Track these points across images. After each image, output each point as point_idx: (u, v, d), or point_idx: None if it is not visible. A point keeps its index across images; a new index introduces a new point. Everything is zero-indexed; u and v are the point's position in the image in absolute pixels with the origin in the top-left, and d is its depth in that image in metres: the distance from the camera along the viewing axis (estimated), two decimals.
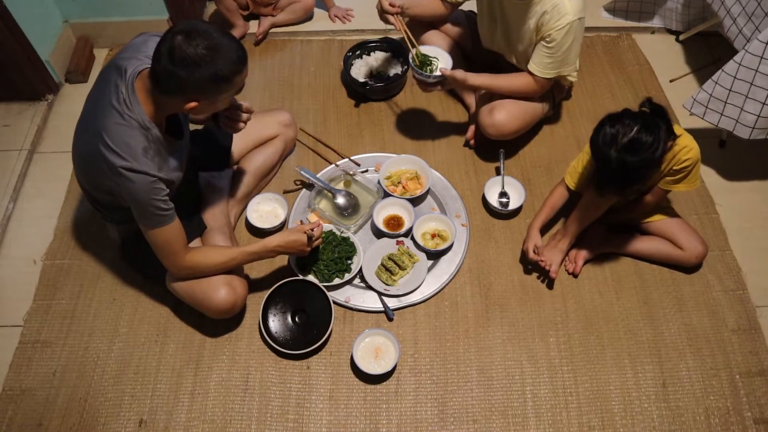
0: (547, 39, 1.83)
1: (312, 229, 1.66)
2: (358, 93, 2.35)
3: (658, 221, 1.85)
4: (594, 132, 1.50)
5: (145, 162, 1.37)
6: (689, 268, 1.88)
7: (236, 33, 2.50)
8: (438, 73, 1.90)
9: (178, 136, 1.53)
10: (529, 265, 1.89)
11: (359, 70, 2.37)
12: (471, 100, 2.24)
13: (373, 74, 2.37)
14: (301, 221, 1.95)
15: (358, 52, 2.41)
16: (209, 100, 1.37)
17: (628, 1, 2.58)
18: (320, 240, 1.71)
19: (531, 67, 1.90)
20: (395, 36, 2.51)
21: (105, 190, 1.48)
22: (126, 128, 1.36)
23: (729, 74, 1.88)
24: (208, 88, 1.33)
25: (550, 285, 1.86)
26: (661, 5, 2.54)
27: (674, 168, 1.64)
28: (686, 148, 1.61)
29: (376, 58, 2.41)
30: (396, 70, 2.37)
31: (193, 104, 1.34)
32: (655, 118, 1.47)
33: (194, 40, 1.26)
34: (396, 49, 2.41)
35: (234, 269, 1.69)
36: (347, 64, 2.35)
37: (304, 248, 1.65)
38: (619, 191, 1.56)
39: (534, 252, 1.79)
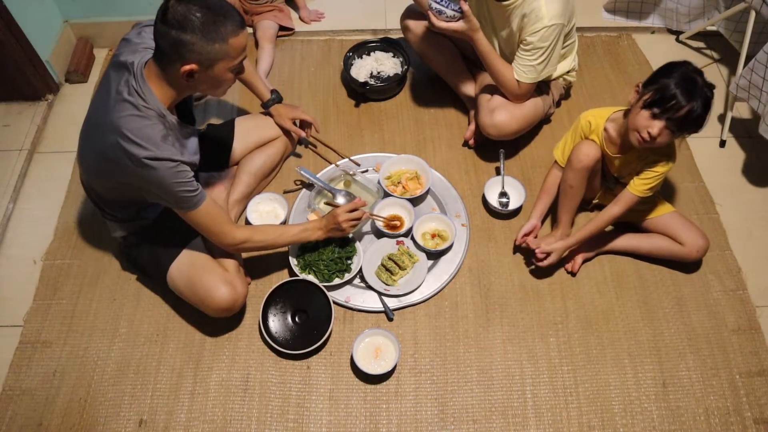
0: (524, 43, 1.85)
1: (353, 210, 1.74)
2: (358, 93, 2.35)
3: (656, 217, 1.85)
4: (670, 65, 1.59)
5: (166, 148, 1.38)
6: (691, 263, 1.88)
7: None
8: (459, 8, 1.75)
9: (190, 122, 1.55)
10: (529, 264, 1.90)
11: (359, 70, 2.37)
12: (471, 100, 2.24)
13: (373, 74, 2.37)
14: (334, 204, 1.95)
15: (358, 52, 2.41)
16: (206, 66, 1.34)
17: (628, 1, 2.58)
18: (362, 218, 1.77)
19: (514, 72, 1.92)
20: (395, 36, 2.51)
21: (115, 187, 1.48)
22: (143, 119, 1.36)
23: (761, 63, 1.90)
24: (203, 50, 1.31)
25: (542, 273, 1.87)
26: (660, 5, 2.54)
27: (649, 165, 1.67)
28: (669, 155, 1.65)
29: (376, 58, 2.41)
30: (396, 70, 2.37)
31: (189, 66, 1.32)
32: None
33: (188, 2, 1.28)
34: (396, 49, 2.41)
35: (237, 268, 1.71)
36: (347, 64, 2.35)
37: (346, 232, 1.75)
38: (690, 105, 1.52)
39: (525, 236, 1.84)
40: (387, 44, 2.43)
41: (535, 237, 1.86)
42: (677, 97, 1.49)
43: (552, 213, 1.94)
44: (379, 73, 2.37)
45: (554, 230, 1.90)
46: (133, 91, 1.37)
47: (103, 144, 1.40)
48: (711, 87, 1.52)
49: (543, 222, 1.91)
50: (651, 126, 1.54)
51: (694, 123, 1.52)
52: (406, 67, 2.35)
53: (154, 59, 1.37)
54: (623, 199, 1.72)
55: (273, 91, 2.03)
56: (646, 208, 1.85)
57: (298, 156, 2.19)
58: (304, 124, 2.10)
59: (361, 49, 2.42)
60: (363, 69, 2.37)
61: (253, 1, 2.52)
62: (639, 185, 1.68)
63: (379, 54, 2.42)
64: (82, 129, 1.53)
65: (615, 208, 1.74)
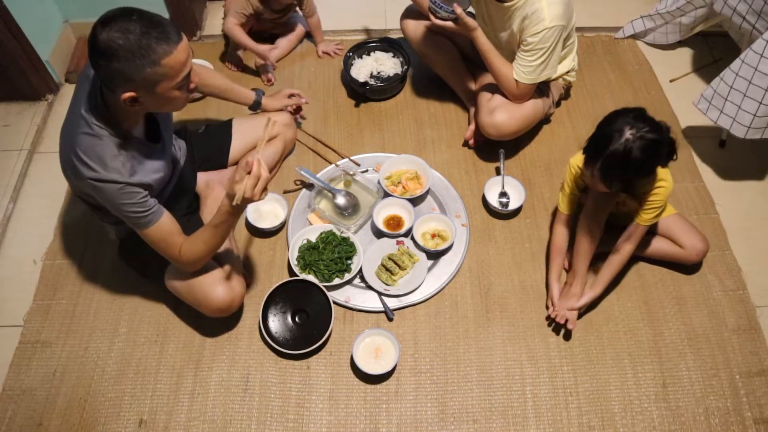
0: (524, 44, 1.85)
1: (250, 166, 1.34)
2: (358, 93, 2.35)
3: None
4: (609, 116, 1.51)
5: (113, 169, 1.34)
6: (691, 265, 1.88)
7: (268, 67, 2.46)
8: (452, 10, 1.82)
9: (155, 140, 1.51)
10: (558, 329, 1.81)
11: (359, 70, 2.37)
12: (470, 100, 2.24)
13: (373, 74, 2.37)
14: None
15: (358, 52, 2.41)
16: (146, 90, 1.27)
17: (634, 33, 2.58)
18: (263, 182, 1.35)
19: (514, 72, 1.92)
20: (395, 36, 2.51)
21: (87, 193, 1.48)
22: (94, 138, 1.33)
23: (733, 71, 1.89)
24: (135, 76, 1.23)
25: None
26: (663, 27, 2.53)
27: (647, 197, 1.62)
28: (663, 180, 1.60)
29: (376, 58, 2.41)
30: (396, 70, 2.37)
31: (128, 94, 1.26)
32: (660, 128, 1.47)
33: (110, 27, 1.19)
34: (396, 49, 2.41)
35: (234, 268, 1.70)
36: (347, 64, 2.35)
37: (253, 197, 1.36)
38: (623, 173, 1.48)
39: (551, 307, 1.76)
40: (387, 44, 2.43)
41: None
42: (594, 148, 1.48)
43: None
44: (379, 73, 2.37)
45: (571, 282, 1.77)
46: (89, 108, 1.34)
47: (64, 155, 1.41)
48: (634, 134, 1.42)
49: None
50: (585, 174, 1.56)
51: (620, 171, 1.47)
52: (406, 67, 2.35)
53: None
54: (635, 234, 1.68)
55: (254, 90, 2.01)
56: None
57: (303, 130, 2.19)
58: (297, 108, 2.16)
59: (361, 49, 2.42)
60: (363, 69, 2.37)
61: (273, 19, 2.46)
62: (645, 217, 1.64)
63: (379, 54, 2.42)
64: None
65: (628, 246, 1.69)
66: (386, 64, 2.39)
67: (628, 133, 1.43)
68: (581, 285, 1.75)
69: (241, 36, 2.33)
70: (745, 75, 1.85)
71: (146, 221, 1.43)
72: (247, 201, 1.35)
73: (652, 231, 1.87)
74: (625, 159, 1.43)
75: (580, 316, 1.78)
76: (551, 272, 1.80)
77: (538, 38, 1.81)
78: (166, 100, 1.33)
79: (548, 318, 1.79)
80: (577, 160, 1.68)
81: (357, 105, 2.35)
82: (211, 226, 1.48)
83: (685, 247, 1.81)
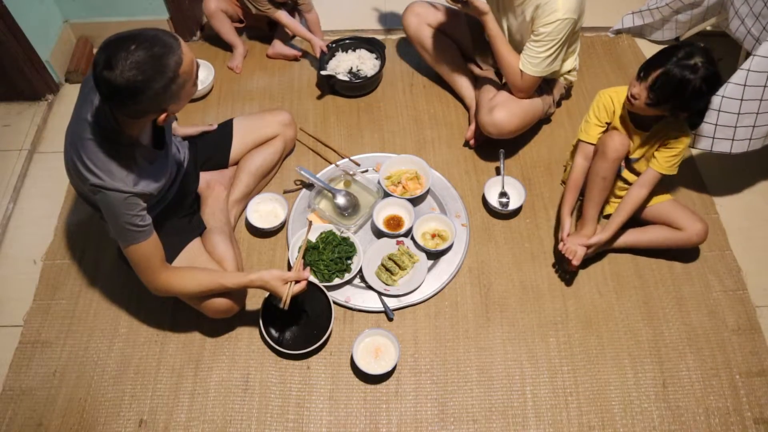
0: (534, 34, 1.85)
1: (296, 282, 1.59)
2: (328, 84, 2.35)
3: (651, 206, 1.86)
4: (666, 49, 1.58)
5: (119, 178, 1.34)
6: (691, 250, 1.88)
7: (237, 56, 2.44)
8: None
9: (159, 146, 1.50)
10: (562, 269, 1.88)
11: (338, 63, 2.37)
12: (471, 100, 2.24)
13: (352, 70, 2.37)
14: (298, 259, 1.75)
15: (343, 46, 2.41)
16: (174, 102, 1.31)
17: (629, 27, 2.58)
18: (304, 289, 1.61)
19: (520, 62, 1.92)
20: (395, 36, 2.50)
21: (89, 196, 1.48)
22: (101, 144, 1.33)
23: (714, 109, 1.81)
24: (166, 96, 1.26)
25: (569, 279, 1.87)
26: (659, 25, 2.53)
27: (668, 141, 1.69)
28: (682, 133, 1.69)
29: (360, 55, 2.40)
30: (375, 71, 2.34)
31: (163, 116, 1.31)
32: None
33: (117, 68, 1.17)
34: (378, 51, 2.39)
35: (232, 269, 1.70)
36: (325, 55, 2.34)
37: (282, 297, 1.58)
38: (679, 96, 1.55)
39: (563, 242, 1.77)
40: (370, 44, 2.41)
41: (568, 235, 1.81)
42: (656, 59, 1.57)
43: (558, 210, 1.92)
44: (359, 70, 2.37)
45: (580, 228, 1.84)
46: (96, 115, 1.33)
47: (68, 157, 1.40)
48: (706, 65, 1.51)
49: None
50: (633, 85, 1.62)
51: (672, 91, 1.53)
52: (378, 70, 2.33)
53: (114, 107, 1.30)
54: (648, 180, 1.73)
55: None
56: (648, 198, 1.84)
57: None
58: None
59: (347, 43, 2.42)
60: (343, 63, 2.37)
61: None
62: (663, 162, 1.70)
63: (363, 52, 2.41)
64: (65, 134, 1.51)
65: (642, 191, 1.73)
66: (367, 63, 2.38)
67: (697, 58, 1.50)
68: (591, 230, 1.79)
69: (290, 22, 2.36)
70: (730, 109, 1.80)
71: (136, 237, 1.42)
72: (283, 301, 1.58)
73: (650, 219, 1.87)
74: (691, 71, 1.50)
75: (586, 265, 1.84)
76: (565, 206, 1.81)
77: (549, 29, 1.80)
78: (187, 98, 1.37)
79: (556, 253, 1.80)
80: (615, 92, 1.77)
81: (320, 97, 2.35)
82: (224, 286, 1.56)
83: (685, 229, 1.81)
